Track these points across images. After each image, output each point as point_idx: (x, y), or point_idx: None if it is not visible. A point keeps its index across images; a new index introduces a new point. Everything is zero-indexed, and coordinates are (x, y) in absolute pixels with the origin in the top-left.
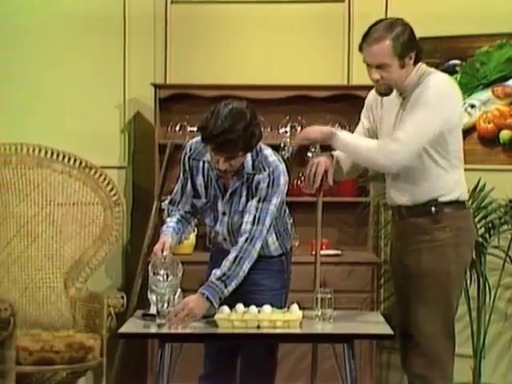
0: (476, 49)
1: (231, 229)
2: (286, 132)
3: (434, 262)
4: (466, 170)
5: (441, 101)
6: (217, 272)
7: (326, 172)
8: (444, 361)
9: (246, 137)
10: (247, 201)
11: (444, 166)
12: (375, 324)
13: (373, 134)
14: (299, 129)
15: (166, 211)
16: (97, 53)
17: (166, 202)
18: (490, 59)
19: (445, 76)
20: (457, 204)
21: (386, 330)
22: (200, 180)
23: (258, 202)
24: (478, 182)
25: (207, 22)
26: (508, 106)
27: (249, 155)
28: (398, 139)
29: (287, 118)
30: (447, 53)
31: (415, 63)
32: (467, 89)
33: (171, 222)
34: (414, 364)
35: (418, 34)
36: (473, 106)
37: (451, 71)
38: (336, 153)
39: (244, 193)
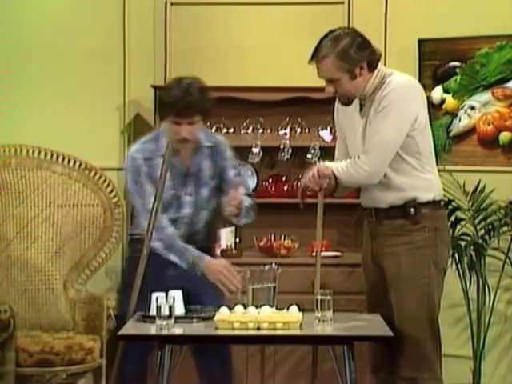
0: (476, 50)
1: (198, 206)
2: (286, 134)
3: (414, 264)
4: (466, 171)
5: (403, 104)
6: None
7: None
8: (432, 361)
9: (203, 99)
10: (213, 173)
11: (417, 168)
12: (375, 326)
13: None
14: (299, 130)
15: (160, 234)
16: (97, 55)
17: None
18: (490, 61)
19: (404, 77)
20: (433, 204)
21: (386, 331)
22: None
23: (236, 174)
24: (478, 184)
25: (207, 23)
26: (508, 108)
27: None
28: (368, 152)
29: (287, 119)
30: (447, 54)
31: (371, 70)
32: (467, 90)
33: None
34: (403, 367)
35: (418, 35)
36: (473, 108)
37: (451, 73)
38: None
39: (209, 165)
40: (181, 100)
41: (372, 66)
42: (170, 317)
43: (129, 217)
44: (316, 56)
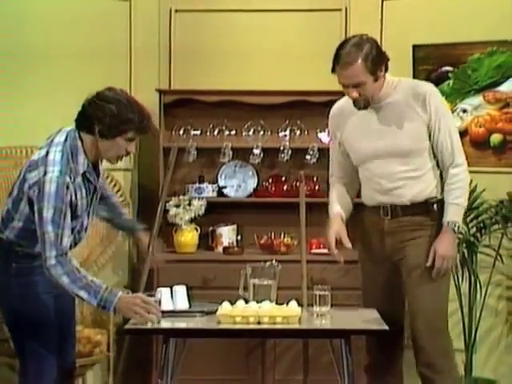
0: (468, 56)
1: (94, 214)
2: (285, 136)
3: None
4: None
5: (445, 104)
6: None
7: (338, 238)
8: (449, 348)
9: None
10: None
11: (436, 166)
12: (371, 320)
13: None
14: (298, 132)
15: (66, 267)
16: (104, 60)
17: (54, 261)
18: (481, 66)
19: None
20: (442, 201)
21: (382, 325)
22: (80, 195)
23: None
24: (470, 184)
25: (210, 29)
26: (498, 111)
27: None
28: (458, 155)
29: (286, 122)
30: (440, 59)
31: (385, 72)
32: (459, 94)
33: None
34: (425, 355)
35: (413, 41)
36: (465, 111)
37: (444, 77)
38: (337, 208)
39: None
40: (146, 117)
41: (387, 69)
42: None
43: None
44: (342, 61)
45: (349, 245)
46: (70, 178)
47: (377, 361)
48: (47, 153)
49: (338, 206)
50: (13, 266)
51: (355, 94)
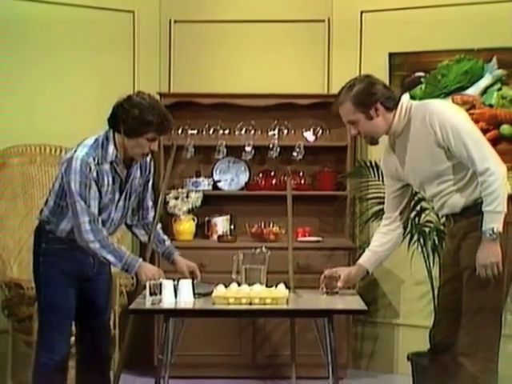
0: (438, 63)
1: (126, 211)
2: (274, 135)
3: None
4: None
5: (454, 113)
6: None
7: (338, 275)
8: (489, 343)
9: None
10: (141, 182)
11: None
12: (352, 301)
13: (405, 184)
14: (285, 132)
15: (98, 235)
16: (110, 66)
17: (89, 227)
18: (450, 71)
19: (433, 100)
20: None
21: (361, 306)
22: (107, 180)
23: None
24: None
25: (206, 38)
26: (466, 112)
27: None
28: (482, 160)
29: (275, 122)
30: (413, 66)
31: (389, 110)
32: (430, 97)
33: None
34: (463, 344)
35: (389, 49)
36: None
37: (417, 82)
38: (363, 259)
39: (139, 174)
40: (166, 119)
41: (389, 107)
42: (160, 293)
43: None
44: (335, 102)
45: (340, 284)
46: (94, 160)
47: (436, 345)
48: (84, 140)
49: (365, 257)
50: (42, 246)
51: (353, 131)
